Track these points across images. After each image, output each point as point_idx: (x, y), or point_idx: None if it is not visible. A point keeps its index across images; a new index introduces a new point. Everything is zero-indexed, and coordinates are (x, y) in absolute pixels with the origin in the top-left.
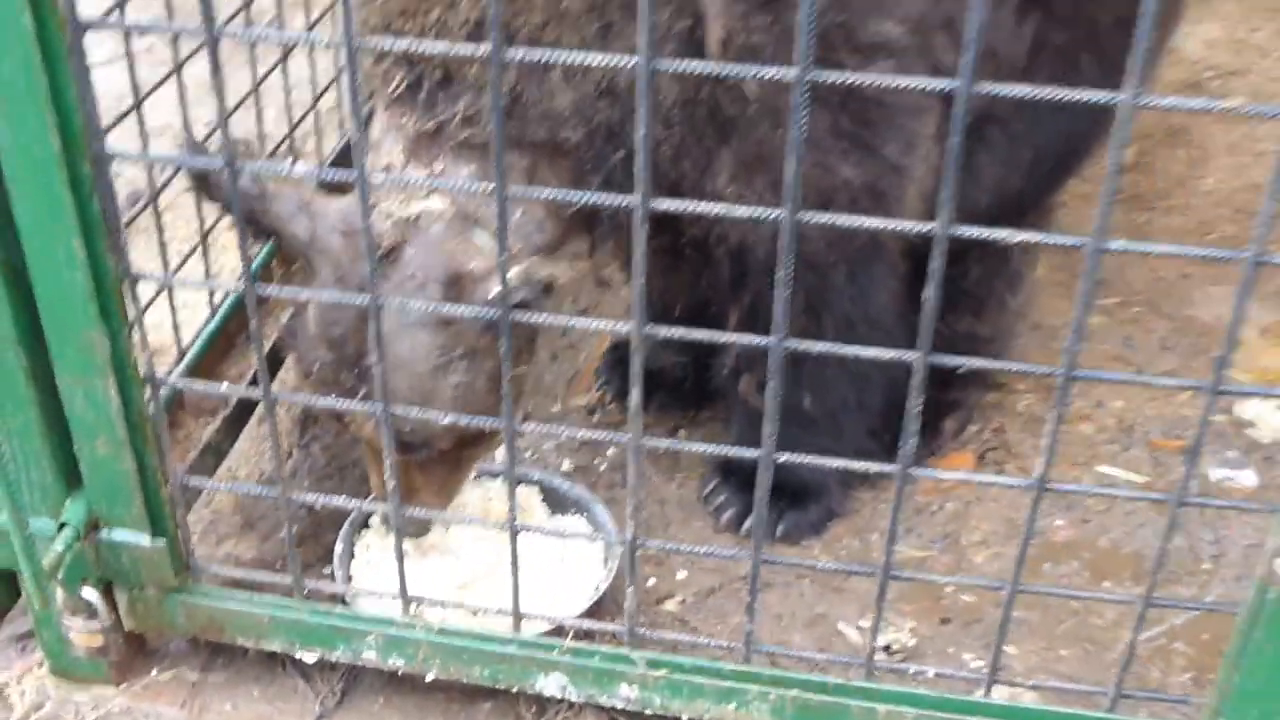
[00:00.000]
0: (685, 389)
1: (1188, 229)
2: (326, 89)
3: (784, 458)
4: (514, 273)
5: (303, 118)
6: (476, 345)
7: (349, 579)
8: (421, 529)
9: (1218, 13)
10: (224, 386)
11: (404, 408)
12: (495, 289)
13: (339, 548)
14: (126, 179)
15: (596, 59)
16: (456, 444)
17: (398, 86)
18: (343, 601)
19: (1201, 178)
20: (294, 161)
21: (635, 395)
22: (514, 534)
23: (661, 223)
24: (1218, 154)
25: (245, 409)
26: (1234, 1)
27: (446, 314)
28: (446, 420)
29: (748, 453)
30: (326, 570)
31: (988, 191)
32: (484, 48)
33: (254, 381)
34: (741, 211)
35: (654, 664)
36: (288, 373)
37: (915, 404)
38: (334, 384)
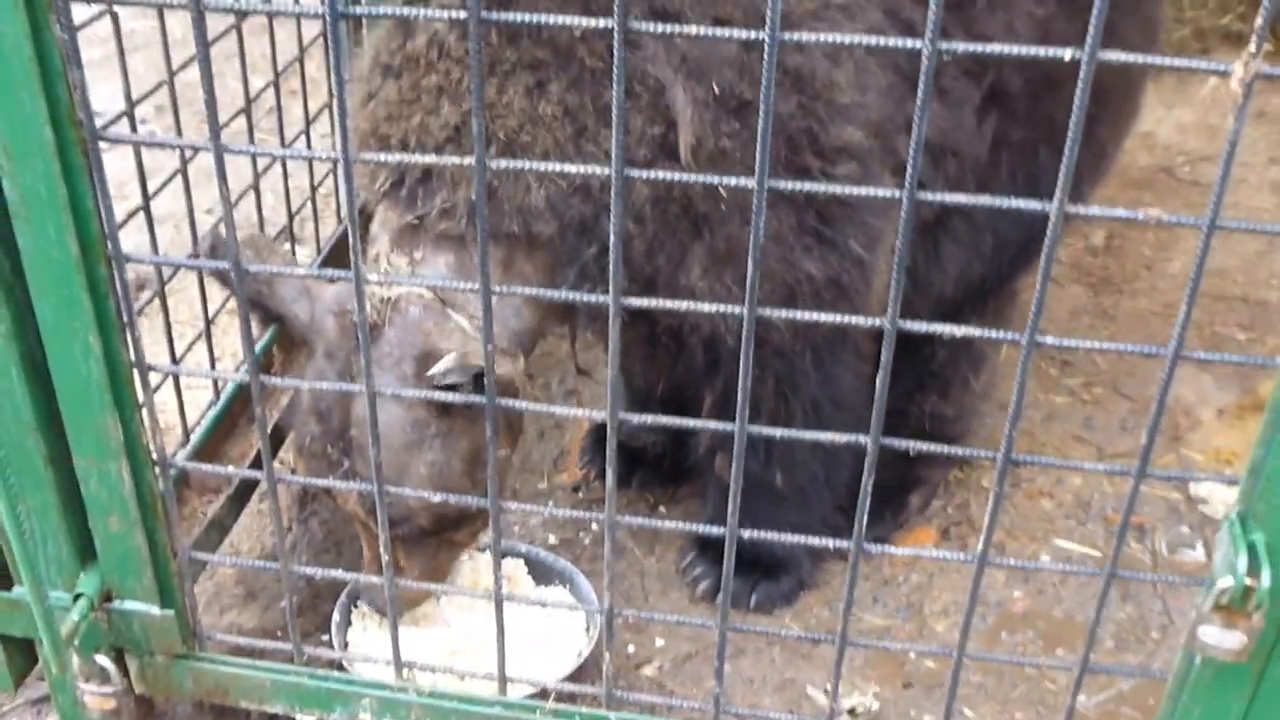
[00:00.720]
0: (664, 467)
1: (1153, 311)
2: (324, 179)
3: (749, 534)
4: (450, 358)
5: (301, 207)
6: (450, 425)
7: (345, 646)
8: (411, 603)
9: (1190, 99)
10: (229, 469)
11: (392, 487)
12: (439, 368)
13: (336, 617)
14: (130, 266)
15: (573, 169)
16: (436, 523)
17: (383, 184)
18: (339, 667)
19: (1169, 260)
20: (293, 248)
21: (610, 476)
22: (499, 603)
23: (637, 314)
24: (1185, 236)
25: (247, 487)
26: (1207, 88)
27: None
28: (436, 499)
29: (715, 530)
30: (324, 638)
31: (952, 279)
32: (468, 159)
33: (256, 462)
34: (706, 308)
35: None
36: (287, 453)
37: (868, 481)
38: (322, 456)
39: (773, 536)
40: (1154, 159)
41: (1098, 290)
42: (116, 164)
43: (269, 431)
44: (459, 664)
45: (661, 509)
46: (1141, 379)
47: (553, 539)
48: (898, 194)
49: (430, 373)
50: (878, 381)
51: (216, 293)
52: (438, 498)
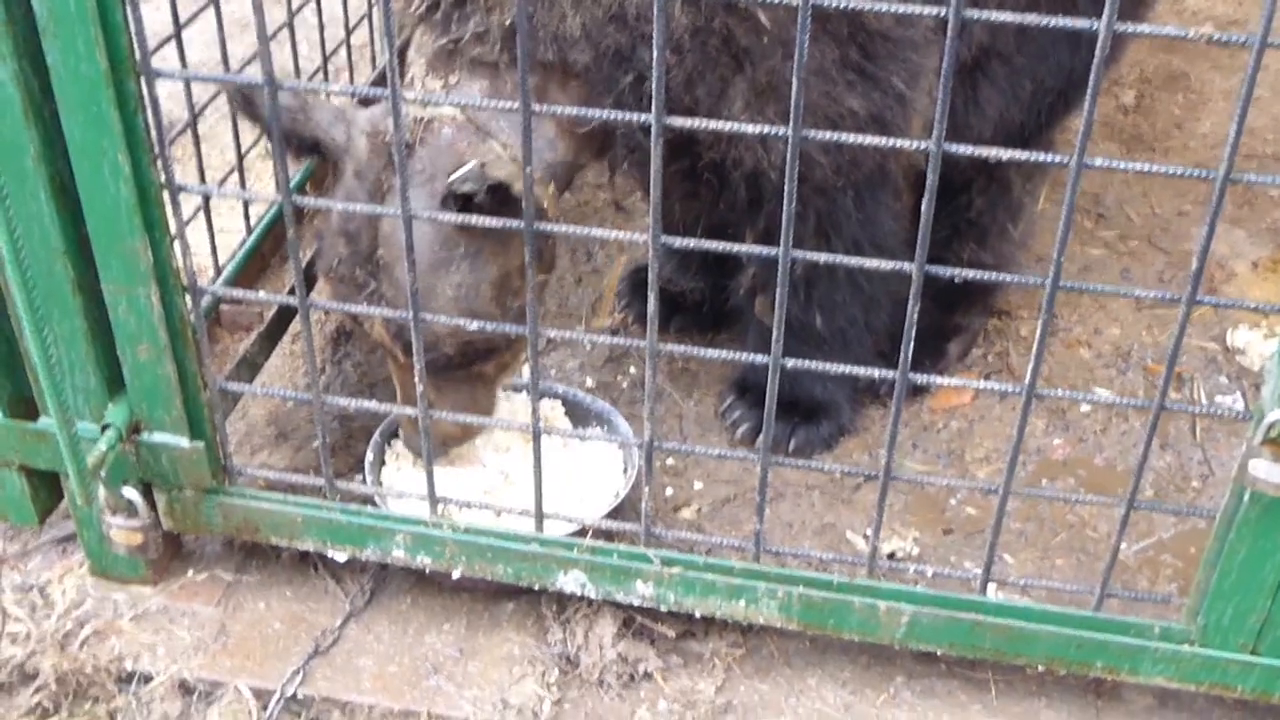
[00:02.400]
0: (703, 312)
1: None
2: (358, 24)
3: (792, 364)
4: (469, 166)
5: (334, 50)
6: (480, 246)
7: (379, 484)
8: (448, 440)
9: None
10: (261, 294)
11: (430, 315)
12: (458, 174)
13: (370, 455)
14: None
15: None
16: (462, 353)
17: (419, 6)
18: (372, 504)
19: (1198, 120)
20: (327, 97)
21: (652, 301)
22: (537, 435)
23: (678, 148)
24: (1214, 98)
25: (279, 326)
26: None
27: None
28: (472, 327)
29: (760, 359)
30: (357, 479)
31: (991, 124)
32: None
33: (290, 293)
34: (751, 130)
35: (669, 562)
36: (319, 295)
37: (913, 311)
38: (350, 280)
39: (818, 367)
40: (1182, 23)
41: (1129, 148)
42: (149, 16)
43: (303, 263)
44: (495, 500)
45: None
46: (1176, 233)
47: (590, 381)
48: (944, 11)
49: (449, 179)
50: (923, 207)
51: (250, 130)
52: (473, 325)
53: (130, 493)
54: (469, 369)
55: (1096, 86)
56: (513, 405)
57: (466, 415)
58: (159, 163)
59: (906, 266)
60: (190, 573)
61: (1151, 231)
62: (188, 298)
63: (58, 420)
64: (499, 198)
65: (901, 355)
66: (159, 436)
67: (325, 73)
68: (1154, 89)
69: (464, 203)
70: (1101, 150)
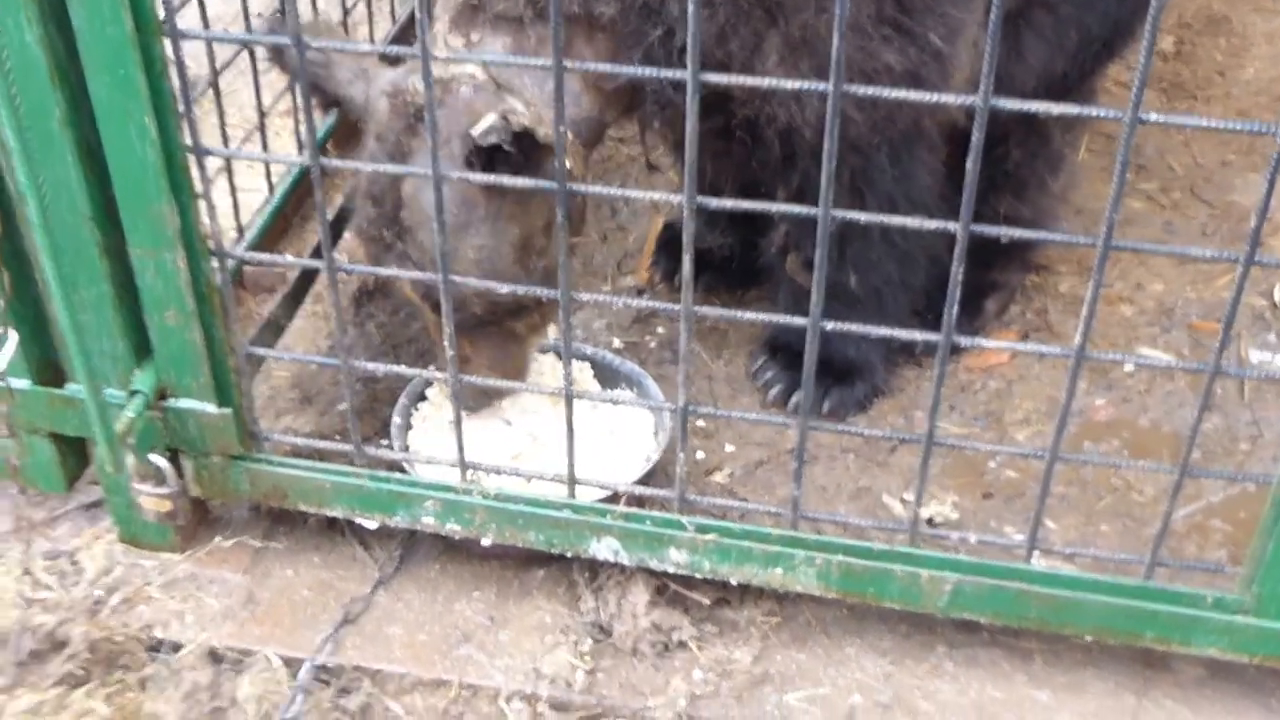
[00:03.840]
0: (732, 269)
1: (1226, 117)
2: None
3: (830, 325)
4: (490, 117)
5: (354, 5)
6: (499, 208)
7: (406, 449)
8: (480, 402)
9: None
10: (287, 257)
11: (460, 278)
12: (480, 126)
13: (396, 419)
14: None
15: None
16: (491, 310)
17: None
18: (400, 470)
19: (1241, 67)
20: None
21: (687, 263)
22: (569, 399)
23: (710, 105)
24: (1257, 42)
25: (302, 288)
26: None
27: (483, 176)
28: (503, 290)
29: (795, 320)
30: (384, 442)
31: (1034, 74)
32: None
33: (316, 254)
34: (790, 85)
35: (703, 529)
36: (341, 255)
37: (957, 271)
38: (377, 239)
39: (856, 329)
40: None
41: (1170, 96)
42: None
43: (328, 222)
44: (524, 465)
45: None
46: (1219, 184)
47: (618, 342)
48: None
49: (471, 131)
50: (968, 164)
51: (269, 88)
52: (503, 289)
53: (158, 459)
54: (500, 325)
55: (1154, 35)
56: (540, 366)
57: (496, 380)
58: (185, 124)
59: (951, 226)
60: (218, 539)
61: (1194, 182)
62: (214, 261)
63: (86, 386)
64: (524, 150)
65: (945, 316)
66: (186, 402)
67: (345, 26)
68: (1194, 34)
69: (487, 159)
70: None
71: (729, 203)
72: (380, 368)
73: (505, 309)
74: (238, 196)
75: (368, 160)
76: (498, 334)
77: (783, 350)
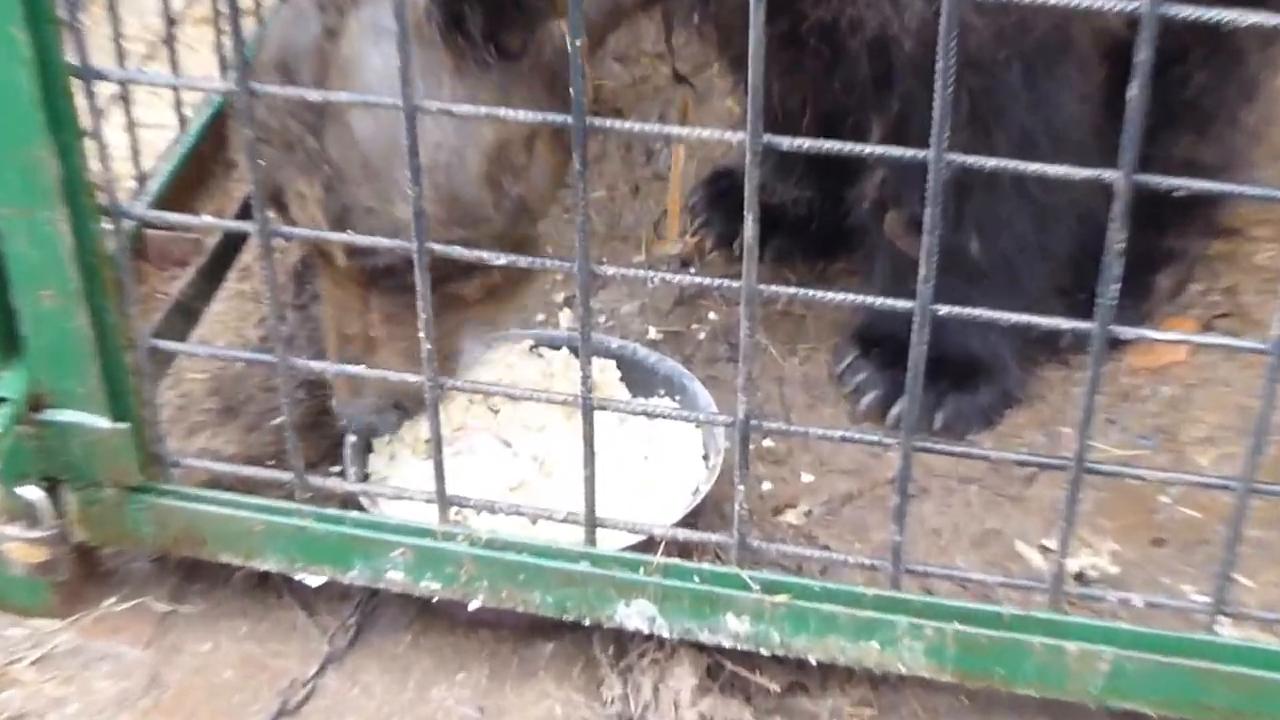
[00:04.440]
0: (811, 233)
1: None
2: None
3: (945, 309)
4: None
5: None
6: (473, 93)
7: (365, 478)
8: (388, 413)
9: None
10: (206, 217)
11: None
12: None
13: (352, 439)
14: None
15: None
16: (439, 270)
17: None
18: (358, 507)
19: None
20: None
21: (750, 224)
22: (588, 411)
23: (773, 4)
24: None
25: (224, 259)
26: None
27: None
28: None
29: (897, 303)
30: (335, 469)
31: None
32: None
33: (243, 214)
34: None
35: (772, 587)
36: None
37: (1118, 238)
38: (280, 136)
39: (982, 315)
40: None
41: None
42: None
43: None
44: (527, 501)
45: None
46: None
47: (654, 333)
48: None
49: None
50: (1132, 92)
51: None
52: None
53: (30, 492)
54: (436, 289)
55: None
56: (548, 367)
57: (487, 386)
58: (68, 38)
59: (1109, 173)
60: (111, 601)
61: None
62: (106, 223)
63: None
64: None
65: (1101, 297)
66: (68, 415)
67: None
68: None
69: (453, 22)
70: None
71: (805, 142)
72: (330, 368)
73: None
74: (138, 134)
75: (292, 18)
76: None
77: (880, 343)
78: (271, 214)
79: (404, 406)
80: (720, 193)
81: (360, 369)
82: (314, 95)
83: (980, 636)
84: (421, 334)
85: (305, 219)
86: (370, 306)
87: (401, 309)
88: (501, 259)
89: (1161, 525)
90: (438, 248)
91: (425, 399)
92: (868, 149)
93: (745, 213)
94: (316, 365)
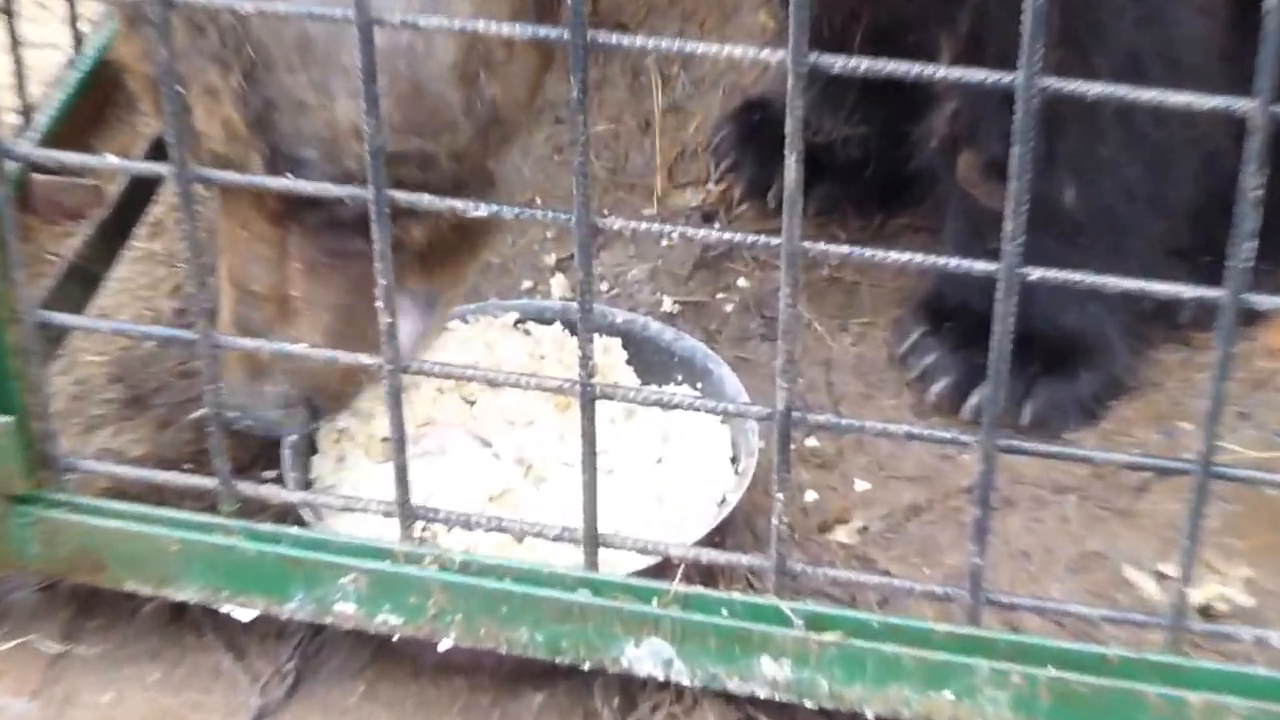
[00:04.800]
0: (865, 179)
1: None
2: None
3: (1036, 274)
4: None
5: None
6: None
7: (309, 485)
8: (336, 395)
9: None
10: (109, 158)
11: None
12: None
13: (292, 438)
14: None
15: None
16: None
17: None
18: (300, 521)
19: None
20: None
21: (792, 168)
22: (587, 400)
23: None
24: None
25: (130, 211)
26: None
27: None
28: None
29: (974, 266)
30: (269, 475)
31: None
32: None
33: (154, 153)
34: None
35: (818, 622)
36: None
37: (1253, 184)
38: (194, 25)
39: (1074, 280)
40: None
41: None
42: None
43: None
44: (511, 513)
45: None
46: None
47: (669, 304)
48: None
49: None
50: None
51: None
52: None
53: None
54: (363, 233)
55: None
56: (536, 346)
57: (456, 368)
58: None
59: (1241, 103)
60: None
61: None
62: None
63: None
64: None
65: (1231, 260)
66: None
67: None
68: None
69: None
70: None
71: (860, 62)
72: (263, 345)
73: (402, 176)
74: (22, 55)
75: None
76: (360, 257)
77: (952, 317)
78: None
79: (315, 404)
80: (752, 129)
81: (300, 347)
82: None
83: (1080, 685)
84: (380, 303)
85: (215, 126)
86: (288, 252)
87: (329, 258)
88: (482, 208)
89: None
90: (400, 196)
91: (382, 386)
92: (939, 71)
93: (786, 153)
94: (248, 344)
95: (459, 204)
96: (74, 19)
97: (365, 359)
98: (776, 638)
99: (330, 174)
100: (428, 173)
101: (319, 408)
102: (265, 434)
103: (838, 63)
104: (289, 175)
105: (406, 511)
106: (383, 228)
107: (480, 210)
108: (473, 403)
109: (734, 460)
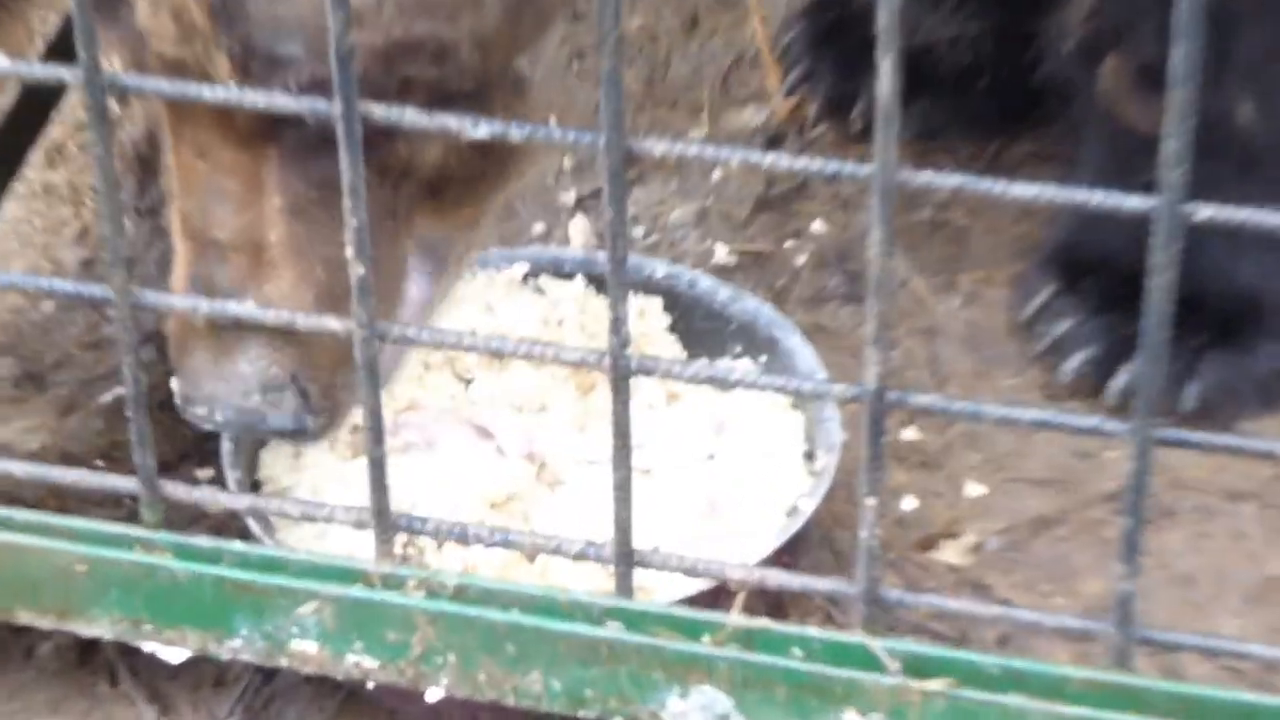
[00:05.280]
0: (979, 92)
1: None
2: None
3: (1204, 212)
4: None
5: None
6: None
7: (256, 486)
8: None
9: None
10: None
11: None
12: None
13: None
14: None
15: None
16: (397, 83)
17: None
18: (244, 534)
19: None
20: None
21: (887, 75)
22: (621, 379)
23: None
24: None
25: (18, 135)
26: None
27: None
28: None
29: (1124, 202)
30: (205, 475)
31: None
32: None
33: (55, 51)
34: None
35: (920, 666)
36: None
37: None
38: None
39: (1259, 223)
40: None
41: None
42: None
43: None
44: (519, 523)
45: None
46: None
47: (723, 254)
48: None
49: None
50: None
51: None
52: None
53: None
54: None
55: None
56: (553, 307)
57: (456, 336)
58: None
59: None
60: None
61: None
62: None
63: None
64: None
65: None
66: None
67: None
68: None
69: None
70: None
71: None
72: (198, 304)
73: (428, 82)
74: None
75: None
76: (385, 190)
77: (1093, 271)
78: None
79: (303, 388)
80: (830, 27)
81: (248, 308)
82: None
83: None
84: (350, 247)
85: (163, 19)
86: (266, 185)
87: (320, 191)
88: (482, 127)
89: None
90: (377, 110)
91: (355, 360)
92: None
93: (877, 56)
94: (179, 301)
95: (451, 121)
96: None
97: (333, 322)
98: (865, 686)
99: (320, 74)
100: (444, 69)
101: (307, 394)
102: (243, 431)
103: None
104: (263, 83)
105: (384, 521)
106: (353, 149)
107: (480, 130)
108: (469, 381)
109: (808, 456)
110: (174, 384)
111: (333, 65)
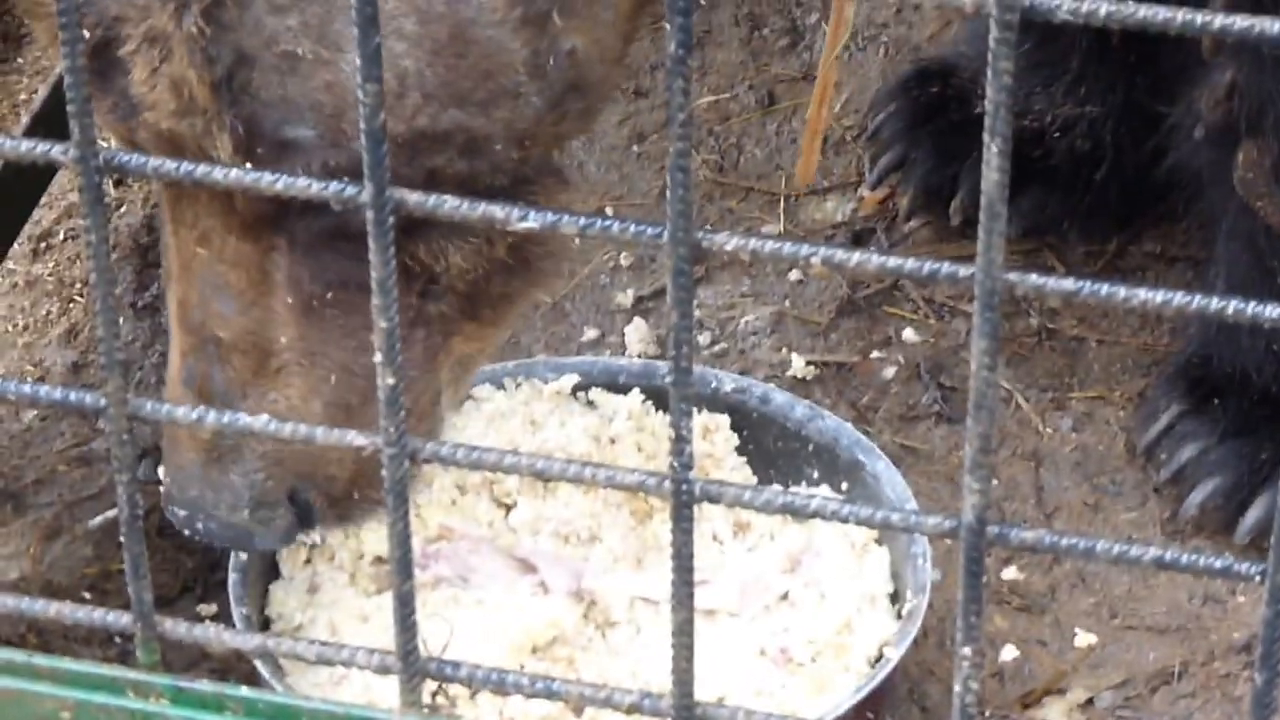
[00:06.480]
0: (1096, 184)
1: None
2: None
3: None
4: None
5: None
6: None
7: (266, 624)
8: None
9: None
10: None
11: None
12: None
13: (241, 555)
14: None
15: None
16: (425, 165)
17: None
18: (251, 679)
19: None
20: None
21: (993, 162)
22: (682, 506)
23: None
24: None
25: (5, 215)
26: None
27: None
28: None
29: (1261, 312)
30: (204, 610)
31: None
32: None
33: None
34: None
35: None
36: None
37: None
38: None
39: None
40: None
41: None
42: None
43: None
44: (565, 669)
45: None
46: None
47: (800, 365)
48: None
49: None
50: None
51: None
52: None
53: None
54: (414, 259)
55: None
56: (605, 424)
57: (495, 454)
58: None
59: None
60: None
61: None
62: None
63: None
64: None
65: None
66: None
67: None
68: None
69: None
70: None
71: (1097, 4)
72: (210, 417)
73: (459, 169)
74: None
75: None
76: (408, 283)
77: (1224, 391)
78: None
79: (305, 501)
80: (928, 105)
81: (261, 421)
82: None
83: None
84: (379, 355)
85: (162, 90)
86: (273, 280)
87: (334, 290)
88: (531, 216)
89: None
90: (411, 197)
91: (382, 479)
92: (1215, 19)
93: (984, 140)
94: (180, 412)
95: (497, 210)
96: None
97: (359, 438)
98: None
99: (333, 161)
100: (474, 162)
101: (312, 509)
102: (227, 544)
103: (1063, 3)
104: (269, 166)
105: (411, 666)
106: (382, 239)
107: (529, 221)
108: (510, 507)
109: (894, 598)
110: (161, 473)
111: (363, 144)
